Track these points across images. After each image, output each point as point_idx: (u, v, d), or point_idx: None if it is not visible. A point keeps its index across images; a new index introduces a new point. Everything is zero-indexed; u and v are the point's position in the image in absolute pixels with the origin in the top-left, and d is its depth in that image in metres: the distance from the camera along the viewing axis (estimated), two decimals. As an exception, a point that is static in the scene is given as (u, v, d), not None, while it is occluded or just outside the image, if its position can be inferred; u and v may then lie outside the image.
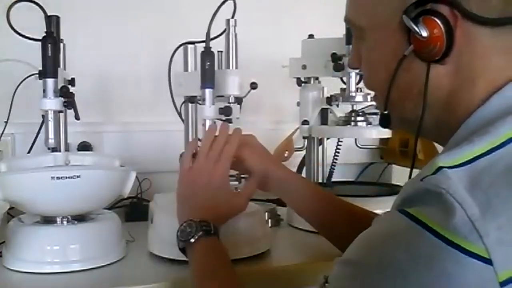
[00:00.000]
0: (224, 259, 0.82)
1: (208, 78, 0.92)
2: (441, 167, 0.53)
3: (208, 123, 0.95)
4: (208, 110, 0.93)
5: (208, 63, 0.92)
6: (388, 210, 0.58)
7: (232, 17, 0.94)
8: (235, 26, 0.94)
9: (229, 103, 0.95)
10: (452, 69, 0.61)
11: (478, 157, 0.53)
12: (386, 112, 0.67)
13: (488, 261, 0.48)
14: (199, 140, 1.06)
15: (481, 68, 0.60)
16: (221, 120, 0.95)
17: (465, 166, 0.52)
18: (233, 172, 0.99)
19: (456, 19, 0.58)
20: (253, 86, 1.00)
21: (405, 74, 0.63)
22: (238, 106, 0.96)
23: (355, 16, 0.67)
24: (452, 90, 0.61)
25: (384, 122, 0.68)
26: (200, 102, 0.95)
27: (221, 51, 0.97)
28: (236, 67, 0.95)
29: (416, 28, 0.59)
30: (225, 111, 0.93)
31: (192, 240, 0.82)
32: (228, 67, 0.95)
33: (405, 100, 0.65)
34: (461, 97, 0.61)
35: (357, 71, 1.18)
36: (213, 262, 0.82)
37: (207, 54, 0.92)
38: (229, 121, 0.95)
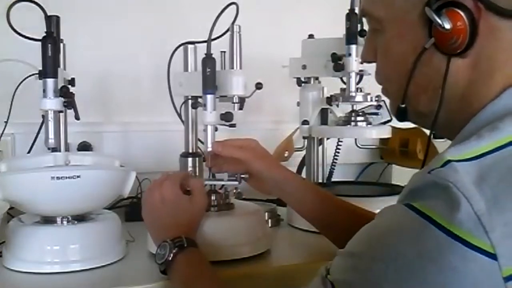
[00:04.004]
0: (205, 268, 0.82)
1: (209, 83, 0.92)
2: (449, 161, 0.52)
3: (209, 129, 0.95)
4: (209, 116, 0.92)
5: (209, 69, 0.91)
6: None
7: (234, 21, 0.93)
8: (239, 32, 0.94)
9: (233, 103, 0.94)
10: (471, 63, 0.60)
11: (485, 154, 0.53)
12: (403, 106, 0.66)
13: (493, 256, 0.48)
14: (199, 140, 1.06)
15: (502, 62, 0.59)
16: (224, 125, 0.95)
17: (473, 161, 0.52)
18: (232, 172, 0.99)
19: (480, 11, 0.57)
20: (258, 86, 0.99)
21: (424, 68, 0.62)
22: (241, 111, 0.95)
23: (373, 7, 0.66)
24: (469, 85, 0.60)
25: (401, 115, 0.67)
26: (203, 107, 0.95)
27: (224, 51, 0.96)
28: (240, 67, 0.95)
29: (439, 20, 0.58)
30: (226, 117, 0.93)
31: (169, 258, 0.81)
32: (232, 67, 0.95)
33: (421, 94, 0.64)
34: (477, 91, 0.60)
35: (357, 71, 1.18)
36: (194, 274, 0.81)
37: (208, 60, 0.92)
38: (232, 126, 0.95)
